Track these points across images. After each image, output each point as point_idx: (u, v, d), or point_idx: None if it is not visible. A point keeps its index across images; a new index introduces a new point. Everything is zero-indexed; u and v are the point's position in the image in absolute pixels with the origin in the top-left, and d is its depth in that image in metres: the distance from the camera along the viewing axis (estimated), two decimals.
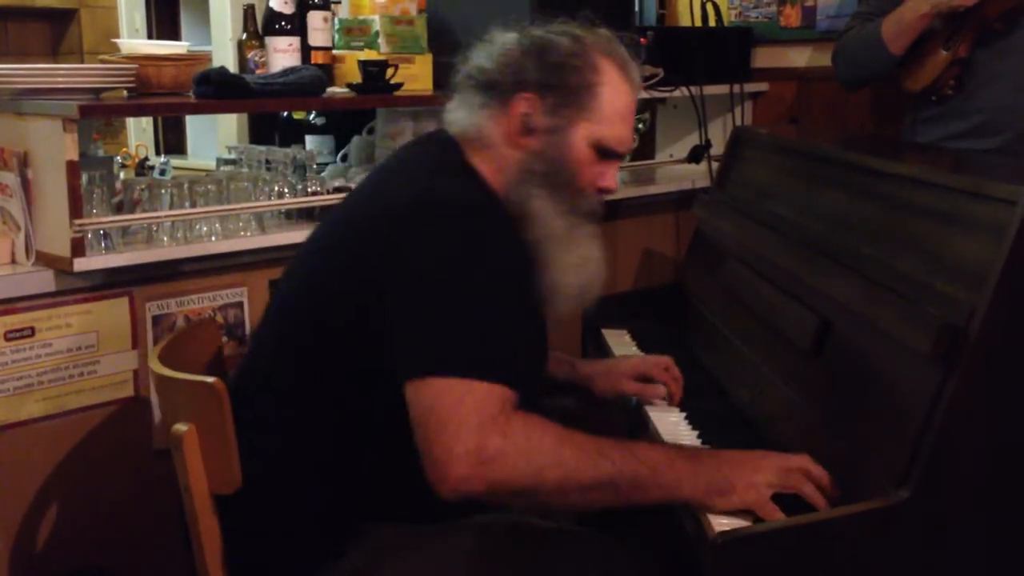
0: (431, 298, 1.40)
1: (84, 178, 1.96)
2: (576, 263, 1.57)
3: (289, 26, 2.42)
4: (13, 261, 1.99)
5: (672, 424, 1.79)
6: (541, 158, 1.55)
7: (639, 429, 1.84)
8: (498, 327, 1.41)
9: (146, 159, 3.06)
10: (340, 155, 2.81)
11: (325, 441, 1.49)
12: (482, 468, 1.32)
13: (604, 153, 1.58)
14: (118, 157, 2.73)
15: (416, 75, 2.52)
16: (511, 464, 1.34)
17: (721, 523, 1.40)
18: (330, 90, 2.41)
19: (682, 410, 1.84)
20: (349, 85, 2.42)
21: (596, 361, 1.97)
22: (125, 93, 2.14)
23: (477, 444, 1.32)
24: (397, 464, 1.39)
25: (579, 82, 1.55)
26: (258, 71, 2.41)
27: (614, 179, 1.62)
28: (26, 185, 1.95)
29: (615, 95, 1.57)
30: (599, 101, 1.55)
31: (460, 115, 1.60)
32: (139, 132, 3.74)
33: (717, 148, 3.07)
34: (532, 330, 1.58)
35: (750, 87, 3.35)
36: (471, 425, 1.33)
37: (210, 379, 1.45)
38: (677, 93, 3.08)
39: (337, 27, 2.62)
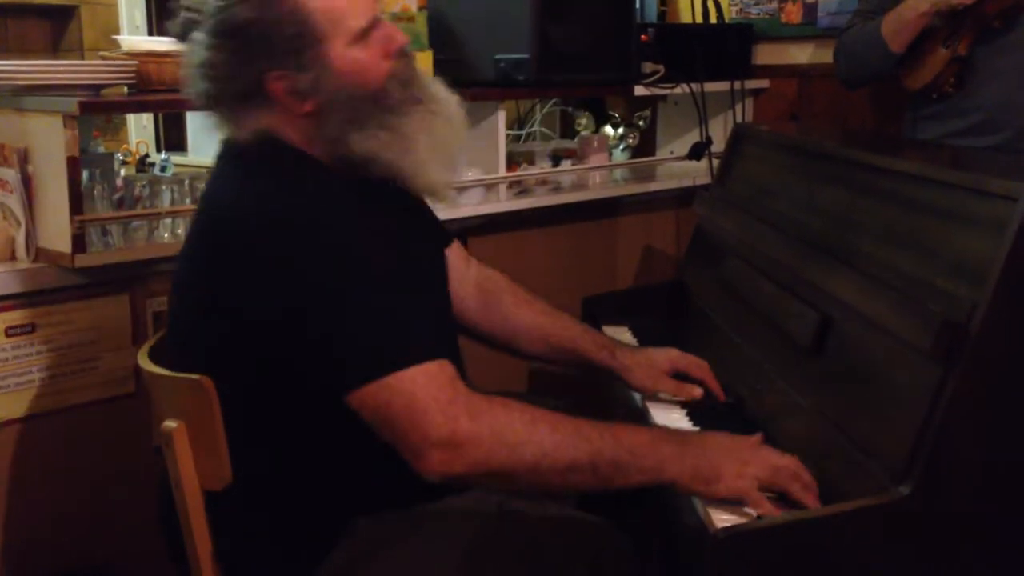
0: (327, 313, 1.36)
1: (85, 175, 1.96)
2: (427, 154, 1.52)
3: None
4: (13, 257, 1.98)
5: (673, 421, 1.79)
6: (330, 106, 1.47)
7: (640, 424, 1.84)
8: (400, 307, 1.38)
9: (147, 156, 3.06)
10: None
11: (301, 439, 1.48)
12: (458, 452, 1.32)
13: (367, 32, 1.49)
14: (119, 154, 2.72)
15: None
16: (485, 445, 1.34)
17: (722, 518, 1.40)
18: None
19: (683, 407, 1.84)
20: None
21: (635, 350, 1.92)
22: (126, 90, 2.14)
23: (448, 430, 1.32)
24: (376, 456, 1.39)
25: (293, 27, 1.44)
26: None
27: (397, 34, 1.53)
28: (27, 181, 1.95)
29: (322, 3, 1.46)
30: (320, 17, 1.45)
31: (239, 134, 1.51)
32: (139, 129, 3.73)
33: (718, 145, 3.07)
34: (426, 285, 1.56)
35: (751, 84, 3.35)
36: (436, 411, 1.32)
37: (197, 376, 1.45)
38: (678, 90, 3.09)
39: None
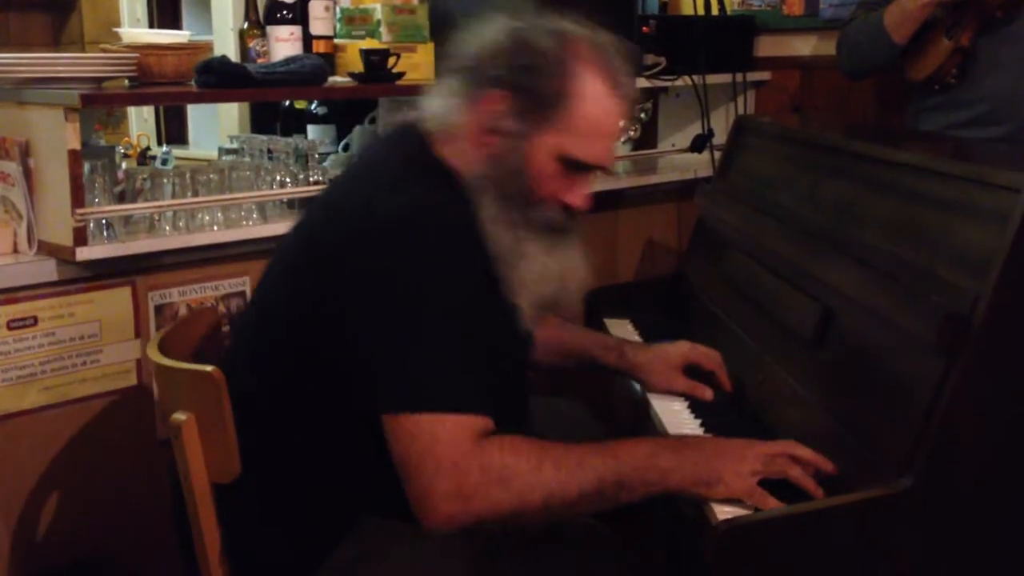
0: (392, 331, 1.37)
1: (86, 167, 1.96)
2: (527, 280, 1.51)
3: (290, 15, 2.42)
4: (15, 250, 1.99)
5: (675, 413, 1.79)
6: (497, 163, 1.47)
7: (642, 417, 1.84)
8: (461, 355, 1.38)
9: (148, 149, 3.06)
10: (342, 145, 2.81)
11: (318, 436, 1.49)
12: (464, 504, 1.33)
13: (572, 166, 1.48)
14: (120, 147, 2.72)
15: (418, 64, 2.52)
16: (493, 497, 1.34)
17: (723, 511, 1.40)
18: (332, 79, 2.41)
19: (685, 399, 1.84)
20: (351, 74, 2.41)
21: (645, 348, 1.92)
22: (127, 83, 2.14)
23: (456, 484, 1.32)
24: (386, 456, 1.38)
25: (551, 89, 1.44)
26: (259, 60, 2.41)
27: (582, 196, 1.51)
28: (28, 174, 1.95)
29: (592, 109, 1.46)
30: (572, 112, 1.45)
31: (434, 102, 1.52)
32: (140, 122, 3.73)
33: (719, 137, 3.06)
34: (503, 341, 1.52)
35: (753, 76, 3.34)
36: (447, 465, 1.32)
37: (208, 368, 1.45)
38: (679, 82, 3.08)
39: (339, 16, 2.62)
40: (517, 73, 1.45)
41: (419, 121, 1.54)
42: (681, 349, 1.88)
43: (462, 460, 1.33)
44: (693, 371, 1.88)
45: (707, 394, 1.83)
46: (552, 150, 1.46)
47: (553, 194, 1.49)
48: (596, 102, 1.46)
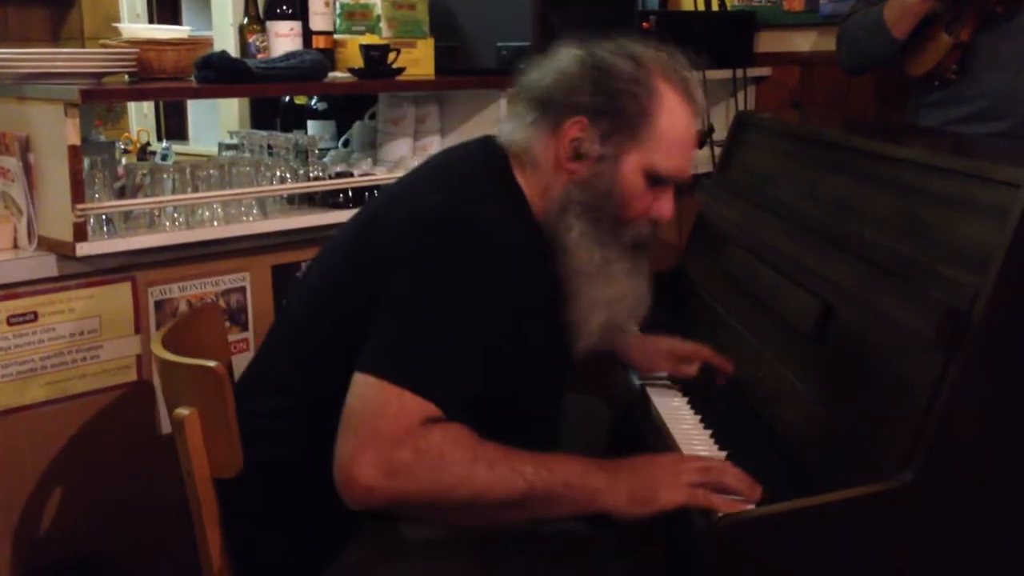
0: (408, 310, 1.39)
1: (86, 163, 1.96)
2: (605, 300, 1.54)
3: (290, 10, 2.41)
4: (15, 246, 1.99)
5: (674, 409, 1.79)
6: (587, 187, 1.50)
7: (640, 412, 1.85)
8: (454, 354, 1.38)
9: (148, 144, 3.06)
10: (342, 140, 2.81)
11: (326, 433, 1.49)
12: (386, 480, 1.30)
13: (657, 181, 1.52)
14: (120, 142, 2.73)
15: (418, 60, 2.52)
16: (418, 479, 1.31)
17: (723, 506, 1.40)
18: (332, 75, 2.41)
19: (684, 395, 1.84)
20: (351, 70, 2.42)
21: (635, 334, 1.94)
22: (126, 78, 2.14)
23: (386, 457, 1.30)
24: None
25: (636, 109, 1.49)
26: (259, 56, 2.41)
27: (669, 207, 1.56)
28: (28, 170, 1.95)
29: (674, 121, 1.51)
30: (656, 128, 1.50)
31: (510, 128, 1.56)
32: (140, 117, 3.73)
33: (720, 133, 3.06)
34: (524, 356, 1.52)
35: (753, 72, 3.34)
36: (384, 434, 1.31)
37: (211, 363, 1.46)
38: None
39: (338, 11, 2.62)
40: (600, 98, 1.49)
41: (504, 141, 1.57)
42: (671, 341, 1.93)
43: (402, 435, 1.31)
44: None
45: (690, 371, 1.86)
46: (639, 167, 1.50)
47: (643, 211, 1.53)
48: (676, 115, 1.52)
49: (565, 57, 1.54)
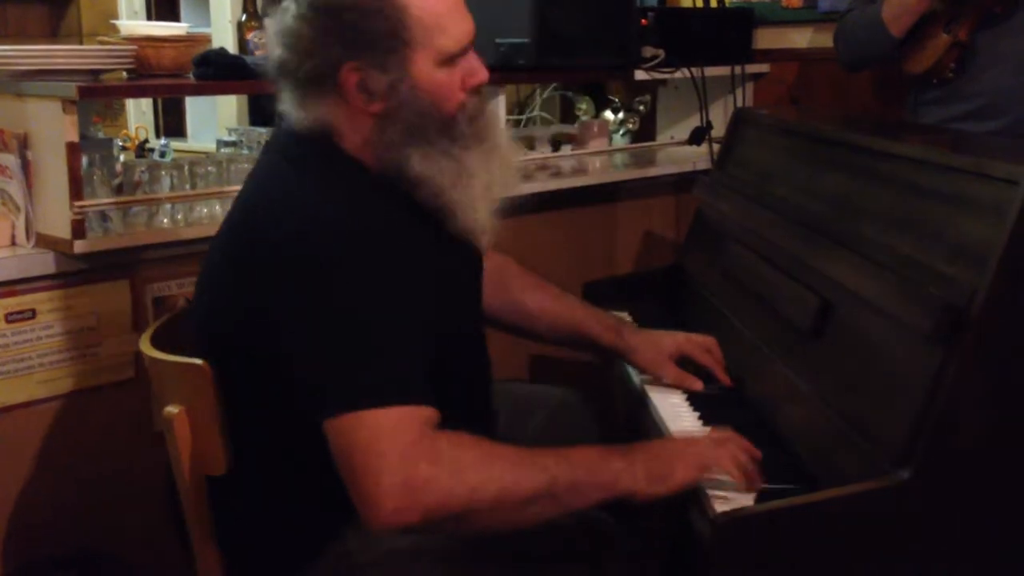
0: (316, 334, 1.34)
1: (84, 160, 1.96)
2: (479, 194, 1.50)
3: None
4: (13, 243, 1.98)
5: (673, 406, 1.79)
6: (396, 115, 1.44)
7: (640, 410, 1.85)
8: (393, 347, 1.34)
9: (146, 141, 3.06)
10: None
11: (300, 432, 1.48)
12: (414, 497, 1.26)
13: (452, 61, 1.46)
14: (118, 139, 2.72)
15: None
16: (444, 487, 1.28)
17: (721, 503, 1.40)
18: None
19: (683, 392, 1.84)
20: None
21: (641, 331, 1.92)
22: (125, 75, 2.14)
23: (404, 475, 1.26)
24: None
25: (387, 21, 1.41)
26: (258, 52, 2.41)
27: (481, 70, 1.50)
28: (26, 167, 1.95)
29: (423, 2, 1.43)
30: (416, 22, 1.42)
31: (298, 114, 1.48)
32: (138, 114, 3.73)
33: (718, 130, 3.06)
34: (443, 327, 1.49)
35: (751, 68, 3.34)
36: (393, 455, 1.27)
37: (198, 361, 1.45)
38: (678, 74, 3.08)
39: None
40: (348, 37, 1.41)
41: (300, 127, 1.49)
42: (676, 339, 1.89)
43: (409, 450, 1.27)
44: (689, 364, 1.88)
45: (696, 385, 1.83)
46: (430, 64, 1.44)
47: (460, 93, 1.48)
48: None
49: (285, 21, 1.44)
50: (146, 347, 1.56)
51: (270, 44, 1.48)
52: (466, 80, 1.49)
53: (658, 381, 1.87)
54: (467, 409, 1.53)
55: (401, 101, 1.44)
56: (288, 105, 1.49)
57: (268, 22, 1.50)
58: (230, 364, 1.45)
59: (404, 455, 1.27)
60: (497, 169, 1.54)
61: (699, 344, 1.89)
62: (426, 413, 1.32)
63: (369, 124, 1.46)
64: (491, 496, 1.30)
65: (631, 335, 1.89)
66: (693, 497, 1.45)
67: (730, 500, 1.41)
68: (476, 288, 1.68)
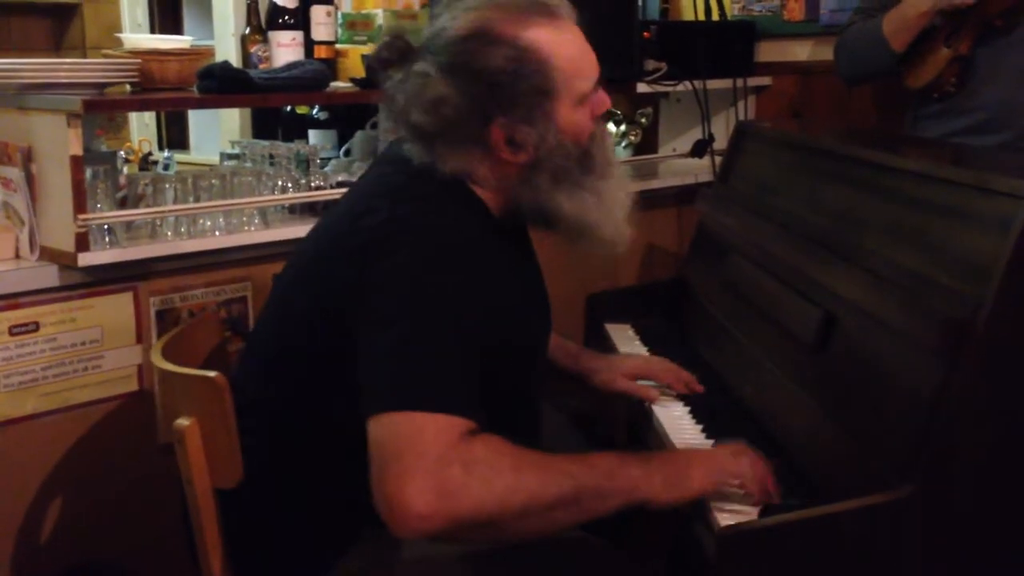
0: (394, 334, 1.35)
1: (88, 173, 1.96)
2: (620, 213, 1.57)
3: (292, 20, 2.42)
4: (17, 256, 1.99)
5: (675, 419, 1.79)
6: (543, 163, 1.49)
7: (642, 424, 1.85)
8: (457, 360, 1.36)
9: (150, 154, 3.07)
10: (343, 150, 2.81)
11: (325, 444, 1.49)
12: (441, 502, 1.25)
13: (587, 97, 1.52)
14: (121, 152, 2.73)
15: None
16: (470, 494, 1.27)
17: (725, 517, 1.40)
18: (333, 84, 2.41)
19: (685, 404, 1.84)
20: (352, 79, 2.42)
21: (601, 356, 1.97)
22: (128, 88, 2.14)
23: (437, 479, 1.25)
24: None
25: (530, 77, 1.45)
26: (261, 66, 2.42)
27: (605, 96, 1.56)
28: (30, 180, 1.95)
29: (561, 51, 1.47)
30: (556, 72, 1.46)
31: (434, 163, 1.49)
32: (142, 127, 3.74)
33: (720, 143, 3.07)
34: (507, 350, 1.52)
35: (753, 81, 3.35)
36: (430, 458, 1.26)
37: (212, 373, 1.46)
38: (680, 87, 3.09)
39: (340, 21, 2.62)
40: (499, 98, 1.45)
41: (443, 174, 1.50)
42: (635, 361, 1.95)
43: (446, 454, 1.27)
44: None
45: (652, 395, 1.86)
46: (569, 108, 1.50)
47: (591, 129, 1.54)
48: (558, 44, 1.48)
49: (423, 87, 1.46)
50: (157, 359, 1.56)
51: (410, 110, 1.47)
52: (595, 111, 1.55)
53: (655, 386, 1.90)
54: (517, 424, 1.52)
55: (549, 149, 1.48)
56: (421, 153, 1.50)
57: (393, 84, 1.50)
58: (298, 356, 1.49)
59: (441, 457, 1.27)
60: (628, 185, 1.61)
61: (658, 365, 1.92)
62: (465, 425, 1.33)
63: (513, 173, 1.50)
64: (519, 504, 1.31)
65: (589, 359, 1.94)
66: (697, 511, 1.45)
67: (734, 514, 1.41)
68: (546, 310, 1.73)
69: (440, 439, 1.29)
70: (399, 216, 1.43)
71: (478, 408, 1.35)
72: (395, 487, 1.26)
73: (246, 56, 2.47)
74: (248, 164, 2.46)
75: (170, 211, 2.08)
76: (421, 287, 1.38)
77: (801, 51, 3.34)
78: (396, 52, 1.51)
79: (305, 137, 2.87)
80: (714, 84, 3.14)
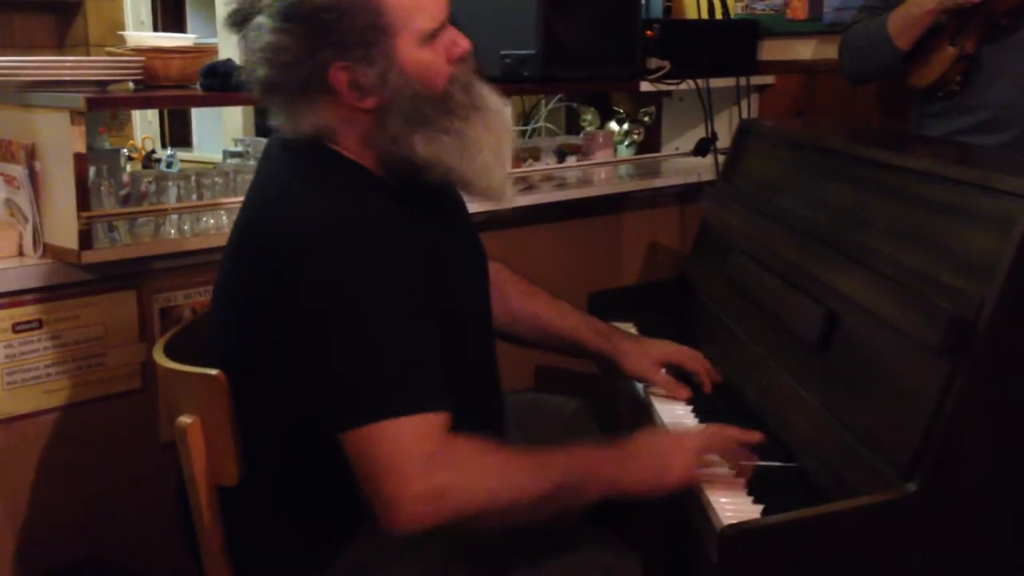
0: (330, 346, 1.35)
1: (91, 171, 1.96)
2: (491, 159, 1.51)
3: None
4: (21, 253, 1.99)
5: (678, 416, 1.79)
6: (393, 105, 1.44)
7: (645, 420, 1.85)
8: (408, 354, 1.36)
9: (153, 152, 3.07)
10: None
11: (313, 442, 1.48)
12: (434, 505, 1.31)
13: (435, 34, 1.47)
14: (125, 150, 2.73)
15: None
16: (463, 496, 1.32)
17: (727, 516, 1.40)
18: None
19: (688, 403, 1.84)
20: None
21: (631, 339, 1.95)
22: (131, 86, 2.14)
23: (424, 484, 1.30)
24: None
25: (363, 17, 1.41)
26: None
27: (462, 38, 1.51)
28: (33, 177, 1.95)
29: None
30: (394, 10, 1.42)
31: (292, 125, 1.48)
32: (145, 125, 3.74)
33: (723, 141, 3.07)
34: (451, 313, 1.51)
35: (756, 80, 3.34)
36: (413, 466, 1.30)
37: (213, 371, 1.46)
38: (683, 86, 3.08)
39: None
40: (330, 38, 1.41)
41: (295, 135, 1.49)
42: (665, 348, 1.93)
43: (431, 459, 1.31)
44: (678, 372, 1.91)
45: (683, 394, 1.86)
46: (413, 46, 1.45)
47: (447, 67, 1.49)
48: None
49: (259, 39, 1.43)
50: (160, 357, 1.56)
51: (252, 67, 1.47)
52: (450, 53, 1.50)
53: (650, 387, 1.90)
54: (478, 396, 1.57)
55: (393, 90, 1.44)
56: (281, 118, 1.49)
57: (240, 44, 1.50)
58: (245, 375, 1.46)
59: (425, 466, 1.31)
60: (500, 130, 1.54)
61: (687, 354, 1.92)
62: (442, 419, 1.35)
63: (366, 122, 1.46)
64: (508, 500, 1.35)
65: (621, 341, 1.92)
66: (699, 509, 1.45)
67: (738, 512, 1.41)
68: (481, 268, 1.71)
69: (421, 442, 1.32)
70: (295, 219, 1.40)
71: (447, 394, 1.37)
72: (390, 499, 1.31)
73: None
74: (251, 162, 2.47)
75: (173, 209, 2.09)
76: (346, 292, 1.36)
77: (804, 50, 3.34)
78: (240, 15, 1.48)
79: None
80: (717, 82, 3.14)
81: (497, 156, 1.52)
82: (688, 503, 1.49)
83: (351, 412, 1.34)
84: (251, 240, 1.47)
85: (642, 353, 1.90)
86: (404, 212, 1.47)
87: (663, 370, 1.90)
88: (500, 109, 1.57)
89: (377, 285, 1.38)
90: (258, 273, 1.43)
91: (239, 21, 1.49)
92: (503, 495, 1.35)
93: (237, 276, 1.50)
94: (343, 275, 1.37)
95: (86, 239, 1.89)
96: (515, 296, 1.92)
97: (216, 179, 2.20)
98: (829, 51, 3.12)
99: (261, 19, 1.44)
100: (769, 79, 3.40)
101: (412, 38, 1.45)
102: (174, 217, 2.10)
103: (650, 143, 3.58)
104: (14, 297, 1.91)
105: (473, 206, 2.39)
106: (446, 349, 1.42)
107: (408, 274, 1.41)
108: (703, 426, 1.55)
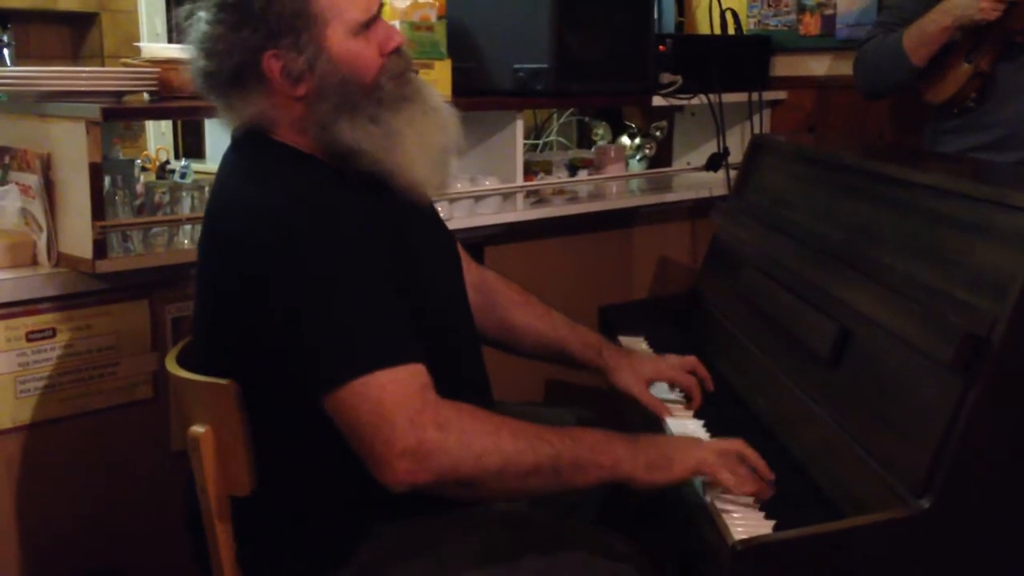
0: (299, 317, 1.38)
1: (106, 181, 1.97)
2: (415, 151, 1.53)
3: None
4: (35, 262, 2.00)
5: (689, 432, 1.79)
6: (323, 93, 1.48)
7: (654, 431, 1.84)
8: (374, 310, 1.39)
9: (167, 162, 3.08)
10: None
11: (321, 444, 1.48)
12: (425, 461, 1.33)
13: (367, 26, 1.51)
14: (139, 161, 2.74)
15: (436, 80, 2.53)
16: (453, 453, 1.34)
17: (739, 531, 1.40)
18: None
19: (699, 417, 1.84)
20: None
21: (622, 354, 1.94)
22: (146, 96, 2.16)
23: (415, 439, 1.33)
24: None
25: (295, 4, 1.46)
26: None
27: (395, 33, 1.55)
28: (49, 187, 1.96)
29: None
30: (323, 3, 1.47)
31: (231, 116, 1.54)
32: (158, 136, 3.75)
33: (735, 156, 3.07)
34: (421, 284, 1.53)
35: (768, 95, 3.35)
36: (402, 422, 1.33)
37: (225, 380, 1.46)
38: (695, 101, 3.09)
39: None
40: (258, 26, 1.45)
41: (240, 128, 1.54)
42: (658, 364, 1.92)
43: (417, 416, 1.33)
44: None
45: (666, 413, 1.85)
46: (343, 36, 1.49)
47: (377, 63, 1.52)
48: None
49: (197, 30, 1.49)
50: (172, 366, 1.57)
51: (193, 59, 1.52)
52: (384, 45, 1.53)
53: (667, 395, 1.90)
54: (459, 373, 1.58)
55: (322, 76, 1.48)
56: (221, 111, 1.54)
57: (184, 38, 1.54)
58: (238, 375, 1.47)
59: (413, 421, 1.33)
60: (430, 125, 1.57)
61: (680, 368, 1.90)
62: (422, 374, 1.37)
63: (299, 109, 1.50)
64: (497, 464, 1.37)
65: (611, 355, 1.91)
66: (711, 523, 1.44)
67: (749, 527, 1.41)
68: (444, 248, 1.72)
69: (405, 396, 1.34)
70: (244, 216, 1.44)
71: (420, 349, 1.38)
72: (378, 456, 1.33)
73: None
74: None
75: (187, 219, 2.09)
76: (306, 264, 1.39)
77: (817, 65, 3.34)
78: (188, 11, 1.53)
79: None
80: (729, 98, 3.14)
81: (423, 150, 1.55)
82: (699, 516, 1.48)
83: (329, 374, 1.36)
84: (210, 245, 1.52)
85: (631, 369, 1.90)
86: (356, 190, 1.50)
87: (655, 387, 1.90)
88: (439, 105, 1.60)
89: (334, 249, 1.40)
90: (224, 275, 1.47)
91: (187, 15, 1.53)
92: (492, 458, 1.36)
93: (209, 276, 1.53)
94: (298, 248, 1.39)
95: (100, 248, 1.90)
96: (506, 305, 1.93)
97: None
98: (842, 67, 3.12)
99: (199, 11, 1.50)
100: (781, 94, 3.40)
101: (343, 28, 1.49)
102: (187, 227, 2.11)
103: (662, 158, 3.58)
104: (28, 306, 1.92)
105: (485, 218, 2.39)
106: (428, 351, 1.42)
107: (366, 240, 1.44)
108: (726, 442, 1.53)
